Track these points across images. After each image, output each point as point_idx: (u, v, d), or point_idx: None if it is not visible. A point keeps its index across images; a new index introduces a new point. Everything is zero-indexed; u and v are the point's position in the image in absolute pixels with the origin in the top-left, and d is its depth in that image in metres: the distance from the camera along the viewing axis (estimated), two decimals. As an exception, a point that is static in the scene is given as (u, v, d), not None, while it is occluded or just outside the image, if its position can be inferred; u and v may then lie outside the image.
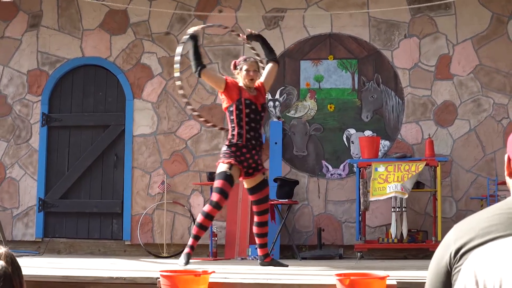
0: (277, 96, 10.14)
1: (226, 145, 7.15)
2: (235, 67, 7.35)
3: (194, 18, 10.43)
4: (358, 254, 9.00)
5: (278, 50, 10.15)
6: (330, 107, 9.96)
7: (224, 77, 7.35)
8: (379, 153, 9.58)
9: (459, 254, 2.13)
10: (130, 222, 10.31)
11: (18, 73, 10.89)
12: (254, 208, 7.37)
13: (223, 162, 7.05)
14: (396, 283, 5.38)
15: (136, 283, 5.96)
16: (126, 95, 10.51)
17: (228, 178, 6.99)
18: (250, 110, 7.12)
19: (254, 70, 7.24)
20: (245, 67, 7.23)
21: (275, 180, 9.65)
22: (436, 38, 9.88)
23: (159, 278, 5.54)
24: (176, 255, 9.84)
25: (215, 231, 9.65)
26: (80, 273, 6.42)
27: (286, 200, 9.49)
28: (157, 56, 10.44)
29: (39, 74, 10.81)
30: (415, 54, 9.90)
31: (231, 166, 7.00)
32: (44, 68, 10.79)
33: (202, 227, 7.11)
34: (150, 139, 10.41)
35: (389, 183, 8.94)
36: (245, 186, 7.32)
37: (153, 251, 9.99)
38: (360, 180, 9.10)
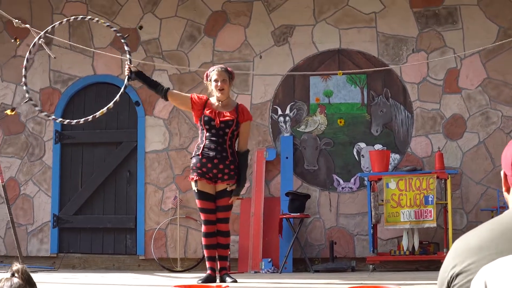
0: (287, 111, 10.26)
1: (191, 158, 7.37)
2: (207, 78, 7.30)
3: (203, 36, 10.57)
4: (371, 266, 9.06)
5: (288, 66, 10.31)
6: (340, 122, 10.07)
7: (189, 95, 7.36)
8: (390, 167, 9.66)
9: (455, 272, 2.16)
10: (144, 237, 10.41)
11: (31, 91, 11.00)
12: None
13: (190, 179, 7.21)
14: None
15: None
16: (138, 112, 10.64)
17: (200, 195, 7.12)
18: (210, 126, 7.10)
19: (223, 79, 7.15)
20: (214, 77, 7.18)
21: (287, 194, 9.76)
22: (443, 52, 10.00)
23: None
24: (190, 269, 9.98)
25: (228, 245, 9.77)
26: None
27: (298, 214, 9.58)
28: (167, 73, 10.56)
29: (52, 92, 10.95)
30: (423, 69, 10.02)
31: (196, 182, 7.10)
32: (56, 86, 10.92)
33: (207, 246, 7.22)
34: (162, 155, 10.53)
35: (402, 207, 9.04)
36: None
37: (167, 265, 10.08)
38: (371, 193, 9.18)
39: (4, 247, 10.79)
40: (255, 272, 9.56)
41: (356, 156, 10.02)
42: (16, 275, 2.64)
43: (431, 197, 8.97)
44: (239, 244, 9.97)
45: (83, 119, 7.59)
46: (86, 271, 9.86)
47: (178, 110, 10.47)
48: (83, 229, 10.65)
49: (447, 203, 9.11)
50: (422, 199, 8.99)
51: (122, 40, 7.60)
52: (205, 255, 7.29)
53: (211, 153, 7.08)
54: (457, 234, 9.12)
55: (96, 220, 10.62)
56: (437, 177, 9.12)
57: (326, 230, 9.96)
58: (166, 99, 7.32)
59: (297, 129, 10.24)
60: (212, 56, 10.47)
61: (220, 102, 7.18)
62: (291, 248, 9.54)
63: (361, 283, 6.32)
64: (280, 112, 10.23)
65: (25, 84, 7.64)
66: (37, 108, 7.86)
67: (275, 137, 10.25)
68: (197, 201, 7.20)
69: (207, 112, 7.12)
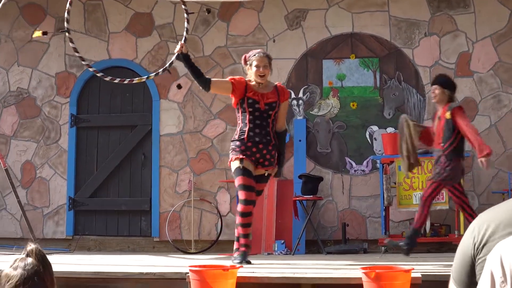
0: (301, 94, 10.33)
1: (232, 140, 7.14)
2: (245, 62, 7.23)
3: (217, 20, 10.65)
4: (383, 248, 9.10)
5: (301, 50, 10.37)
6: (353, 105, 10.14)
7: (228, 79, 7.21)
8: (402, 150, 9.72)
9: (481, 244, 2.21)
10: (158, 219, 10.52)
11: (47, 75, 11.14)
12: None
13: (233, 160, 7.02)
14: (420, 275, 5.45)
15: (165, 278, 6.05)
16: (152, 96, 10.74)
17: (243, 172, 6.94)
18: (253, 109, 7.04)
19: (264, 65, 7.09)
20: (254, 62, 7.10)
21: (300, 176, 9.84)
22: (455, 36, 10.05)
23: (188, 273, 5.59)
24: (204, 251, 10.05)
25: (241, 227, 9.86)
26: (110, 269, 6.51)
27: (311, 196, 9.66)
28: (182, 57, 10.63)
29: (67, 76, 11.05)
30: (435, 52, 10.08)
31: (241, 160, 6.95)
32: (72, 71, 11.03)
33: (243, 225, 7.04)
34: (176, 138, 10.63)
35: (414, 190, 9.10)
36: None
37: (181, 247, 10.17)
38: (384, 176, 9.25)
39: (20, 230, 10.92)
40: (268, 254, 9.63)
41: (368, 139, 10.09)
42: (30, 255, 2.66)
43: (443, 180, 9.03)
44: (252, 226, 10.05)
45: (128, 79, 7.66)
46: (101, 253, 9.95)
47: (192, 94, 10.57)
48: (98, 211, 10.77)
49: (458, 186, 9.16)
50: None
51: (186, 15, 7.61)
52: (241, 232, 7.08)
53: (257, 138, 7.00)
54: (469, 216, 9.21)
55: (111, 203, 10.74)
56: (449, 160, 9.16)
57: (339, 212, 10.04)
58: (208, 90, 7.13)
59: (310, 112, 10.32)
60: (226, 40, 10.55)
61: (260, 85, 7.11)
62: (304, 230, 9.61)
63: (373, 264, 6.36)
64: (293, 95, 10.30)
65: (67, 21, 7.44)
66: (84, 63, 7.65)
67: (288, 120, 10.30)
68: (239, 178, 6.95)
69: (250, 94, 7.03)
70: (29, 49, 11.22)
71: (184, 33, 7.50)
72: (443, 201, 9.01)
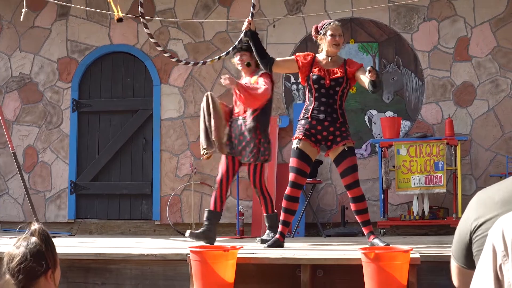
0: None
1: (298, 120, 6.94)
2: (317, 31, 6.97)
3: (218, 5, 10.71)
4: (381, 230, 9.15)
5: (301, 35, 10.43)
6: (352, 89, 10.21)
7: (294, 57, 7.00)
8: (400, 133, 9.80)
9: (480, 222, 2.26)
10: (159, 203, 10.61)
11: (49, 61, 11.22)
12: (343, 183, 6.93)
13: (293, 139, 6.85)
14: (419, 256, 5.50)
15: (166, 259, 6.13)
16: (153, 81, 10.80)
17: (298, 153, 6.73)
18: (319, 85, 6.78)
19: (339, 34, 6.85)
20: (329, 32, 6.85)
21: (299, 160, 9.90)
22: (454, 21, 10.12)
23: (189, 254, 5.65)
24: (204, 234, 10.14)
25: (241, 210, 9.94)
26: (112, 251, 6.61)
27: (311, 179, 9.66)
28: (183, 42, 10.71)
29: (69, 61, 11.13)
30: (434, 37, 10.14)
31: (299, 141, 6.73)
32: (73, 56, 11.11)
33: (285, 210, 6.85)
34: (177, 123, 10.71)
35: (413, 173, 9.15)
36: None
37: (181, 230, 10.23)
38: (382, 159, 9.30)
39: (23, 213, 11.02)
40: (268, 237, 9.70)
41: (367, 123, 10.16)
42: (34, 234, 2.70)
43: (441, 163, 9.07)
44: (252, 209, 10.14)
45: (201, 61, 7.73)
46: (103, 236, 10.03)
47: (193, 79, 10.64)
48: (100, 195, 10.85)
49: (456, 169, 9.21)
50: (432, 165, 9.09)
51: None
52: (281, 218, 6.89)
53: (321, 115, 6.74)
54: (466, 199, 9.19)
55: (113, 187, 10.82)
56: (447, 144, 9.21)
57: (338, 196, 10.11)
58: (270, 71, 7.00)
59: (310, 96, 10.38)
60: (227, 26, 10.62)
61: (329, 58, 6.88)
62: (303, 213, 9.69)
63: (372, 246, 6.44)
64: (293, 80, 10.37)
65: (143, 16, 7.21)
66: (159, 48, 7.41)
67: (288, 104, 10.40)
68: (292, 159, 6.76)
69: (315, 70, 6.80)
70: (31, 35, 11.30)
71: (251, 9, 7.38)
72: (441, 185, 9.07)
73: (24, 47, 11.32)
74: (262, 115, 7.65)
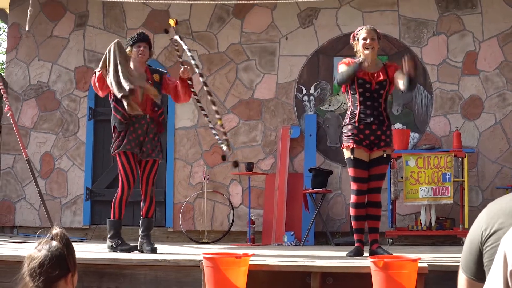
0: (312, 90, 10.56)
1: (343, 125, 6.88)
2: (353, 39, 6.94)
3: (232, 17, 10.91)
4: (389, 240, 9.25)
5: (313, 47, 10.61)
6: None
7: (342, 63, 6.93)
8: (409, 145, 9.89)
9: (490, 233, 2.25)
10: (173, 210, 10.77)
11: (66, 70, 11.44)
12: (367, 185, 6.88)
13: (344, 148, 6.80)
14: (427, 265, 5.50)
15: (179, 265, 6.16)
16: (168, 91, 10.97)
17: (354, 163, 6.72)
18: (364, 89, 6.76)
19: (371, 38, 6.79)
20: (362, 35, 6.81)
21: (310, 170, 10.00)
22: (463, 35, 10.27)
23: (201, 260, 5.65)
24: (216, 241, 10.21)
25: (252, 218, 10.08)
26: (126, 256, 6.68)
27: (320, 189, 9.83)
28: (197, 53, 10.86)
29: (86, 70, 11.31)
30: (443, 51, 10.30)
31: (352, 150, 6.72)
32: (90, 65, 11.29)
33: (357, 217, 6.85)
34: (191, 132, 10.89)
35: (421, 184, 9.22)
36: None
37: (194, 237, 10.38)
38: (391, 170, 9.34)
39: (39, 219, 11.20)
40: (279, 245, 9.77)
41: (377, 135, 10.28)
42: (55, 238, 2.70)
43: (448, 175, 9.14)
44: (263, 217, 10.29)
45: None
46: (117, 242, 10.15)
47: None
48: (115, 202, 11.01)
49: (463, 181, 9.31)
50: (440, 177, 9.17)
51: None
52: (354, 227, 6.93)
53: (368, 119, 6.70)
54: (473, 210, 9.33)
55: (127, 194, 10.97)
56: (455, 156, 9.30)
57: (347, 205, 10.21)
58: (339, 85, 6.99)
59: (321, 108, 10.52)
60: (240, 37, 10.82)
61: (368, 62, 6.84)
62: (313, 222, 9.80)
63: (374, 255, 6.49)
64: (304, 91, 10.54)
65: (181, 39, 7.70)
66: (198, 70, 7.76)
67: (299, 115, 10.56)
68: (351, 169, 6.74)
69: (360, 74, 6.74)
70: (49, 44, 11.52)
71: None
72: (448, 196, 9.17)
73: (42, 56, 11.54)
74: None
